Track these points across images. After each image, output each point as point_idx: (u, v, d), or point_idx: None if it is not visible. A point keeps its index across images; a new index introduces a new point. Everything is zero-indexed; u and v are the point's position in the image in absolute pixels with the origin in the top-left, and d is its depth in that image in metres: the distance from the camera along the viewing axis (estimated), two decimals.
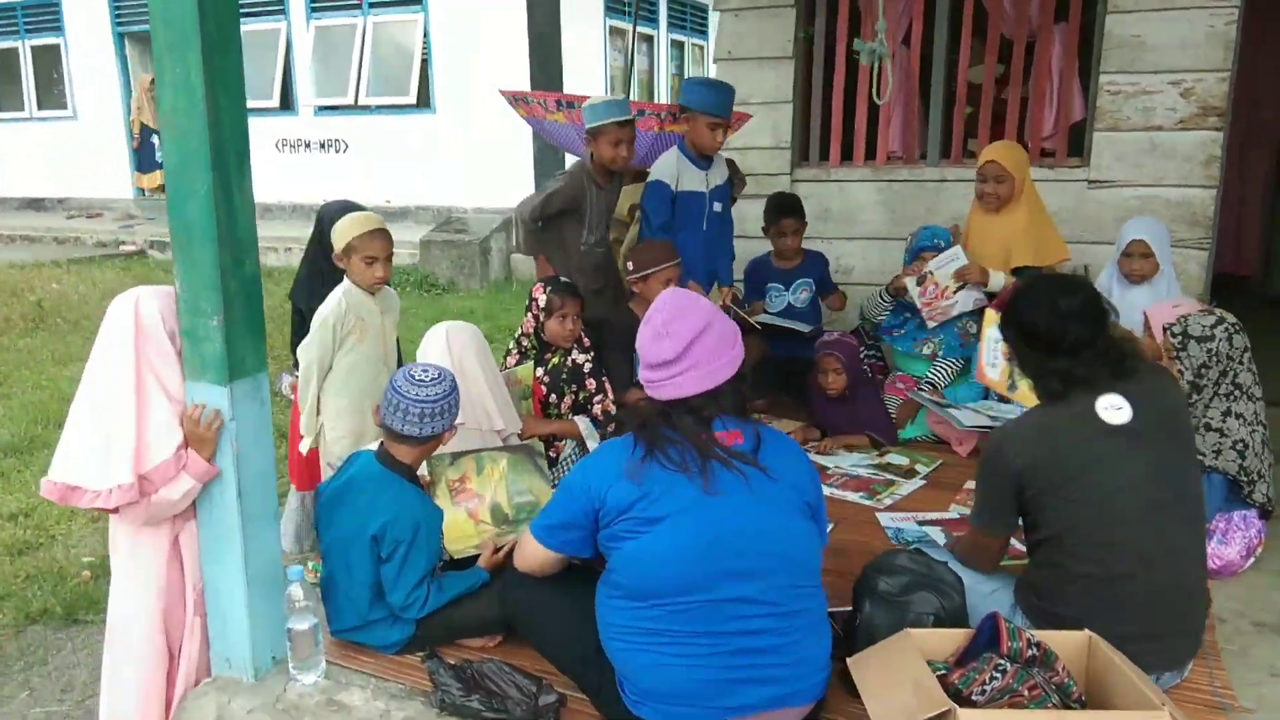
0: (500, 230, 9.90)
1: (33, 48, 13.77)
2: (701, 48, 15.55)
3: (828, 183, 5.05)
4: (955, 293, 4.10)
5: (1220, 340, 2.93)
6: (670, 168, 4.07)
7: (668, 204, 4.05)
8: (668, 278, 3.75)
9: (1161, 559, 2.16)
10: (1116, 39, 4.47)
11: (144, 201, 13.36)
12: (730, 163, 4.40)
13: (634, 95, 13.43)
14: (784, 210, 4.61)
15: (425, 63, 11.62)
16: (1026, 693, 1.92)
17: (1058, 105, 4.71)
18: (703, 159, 4.11)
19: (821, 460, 3.92)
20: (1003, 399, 3.85)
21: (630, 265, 3.86)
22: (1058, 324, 2.25)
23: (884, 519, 3.33)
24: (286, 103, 12.31)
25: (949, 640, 2.09)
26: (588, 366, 3.61)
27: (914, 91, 4.98)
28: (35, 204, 14.07)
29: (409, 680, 2.38)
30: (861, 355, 4.37)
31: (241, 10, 12.53)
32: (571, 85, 11.62)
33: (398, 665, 2.45)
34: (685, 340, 1.97)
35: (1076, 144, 4.73)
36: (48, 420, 5.23)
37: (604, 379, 3.64)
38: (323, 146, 12.32)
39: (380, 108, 11.85)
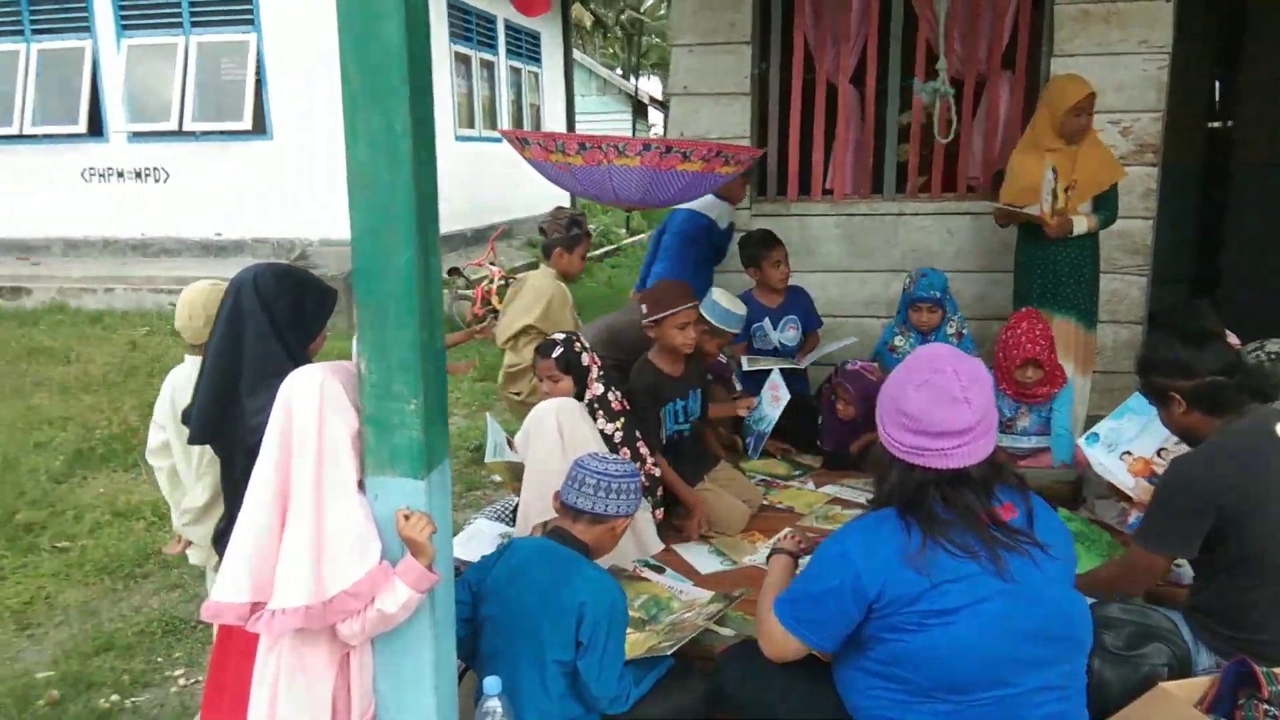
0: None
1: None
2: (536, 74, 15.40)
3: (787, 216, 5.09)
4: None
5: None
6: (715, 207, 4.44)
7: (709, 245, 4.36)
8: (683, 321, 3.60)
9: None
10: None
11: None
12: None
13: (479, 121, 13.15)
14: (772, 239, 4.55)
15: (260, 85, 10.82)
16: None
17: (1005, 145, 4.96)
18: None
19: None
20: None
21: (645, 309, 3.66)
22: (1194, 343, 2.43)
23: None
24: (95, 129, 11.11)
25: (1195, 690, 2.11)
26: (618, 436, 3.33)
27: (869, 130, 5.11)
28: None
29: None
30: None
31: (39, 28, 11.13)
32: None
33: None
34: (984, 407, 1.82)
35: None
36: None
37: (638, 444, 3.38)
38: (139, 175, 11.19)
39: (207, 134, 10.91)
